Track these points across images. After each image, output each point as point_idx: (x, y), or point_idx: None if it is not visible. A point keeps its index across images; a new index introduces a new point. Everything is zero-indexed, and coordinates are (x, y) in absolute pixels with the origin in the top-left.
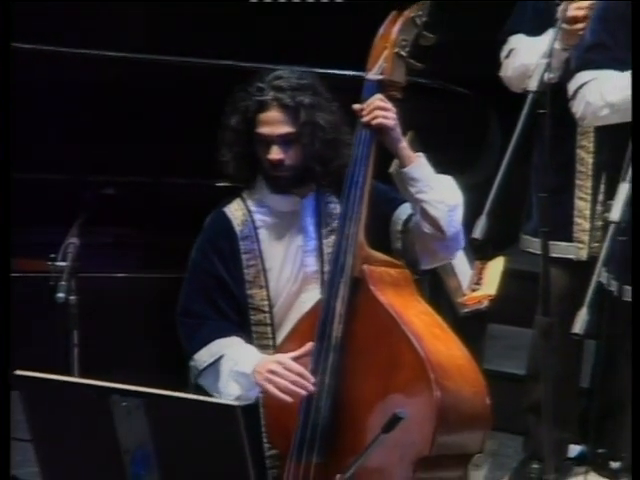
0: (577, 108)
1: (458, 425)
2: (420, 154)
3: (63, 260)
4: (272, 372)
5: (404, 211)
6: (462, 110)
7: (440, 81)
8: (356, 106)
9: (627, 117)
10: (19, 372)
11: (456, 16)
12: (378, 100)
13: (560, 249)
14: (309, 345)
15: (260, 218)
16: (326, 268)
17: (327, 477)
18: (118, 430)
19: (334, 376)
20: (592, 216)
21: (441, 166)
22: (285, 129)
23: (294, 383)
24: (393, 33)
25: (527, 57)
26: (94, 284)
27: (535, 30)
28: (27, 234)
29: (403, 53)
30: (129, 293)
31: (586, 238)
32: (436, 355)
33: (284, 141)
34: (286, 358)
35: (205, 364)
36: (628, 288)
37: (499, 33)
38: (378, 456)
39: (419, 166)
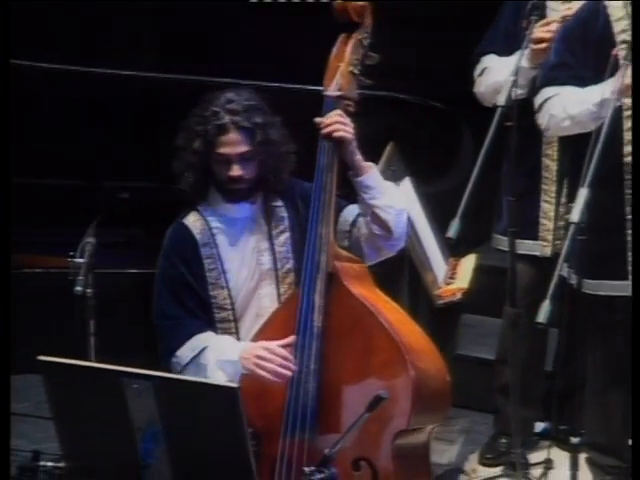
0: (542, 120)
1: (429, 401)
2: (372, 164)
3: (81, 257)
4: (260, 357)
5: (350, 213)
6: (438, 123)
7: (420, 97)
8: (317, 120)
9: (586, 128)
10: (42, 357)
11: (436, 40)
12: (337, 115)
13: (527, 247)
14: (291, 338)
15: (216, 225)
16: (279, 265)
17: (317, 451)
18: (130, 409)
19: (318, 362)
20: (556, 217)
21: (420, 173)
22: (243, 148)
23: (280, 366)
24: (346, 53)
25: (498, 75)
26: (108, 279)
27: (506, 51)
28: (48, 235)
29: (355, 71)
30: (139, 287)
31: (550, 237)
32: (407, 338)
33: (243, 159)
34: (272, 345)
35: (188, 359)
36: (587, 281)
37: (472, 54)
38: (362, 432)
39: (372, 175)
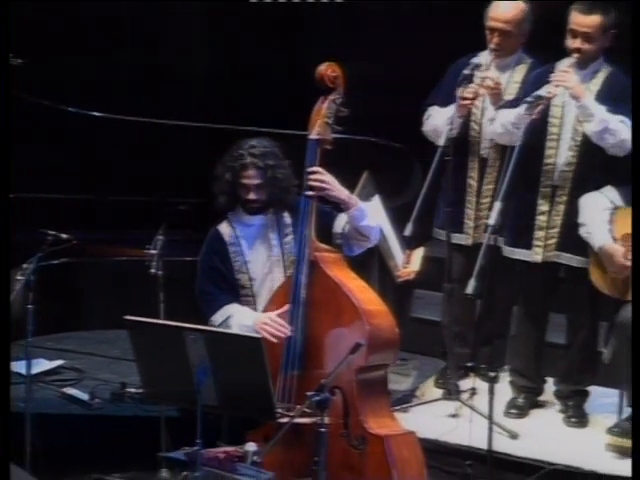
0: (495, 129)
1: (381, 347)
2: (356, 198)
3: (154, 249)
4: (265, 323)
5: (340, 222)
6: (397, 157)
7: (384, 139)
8: (307, 170)
9: (512, 142)
10: (128, 317)
11: (395, 96)
12: (319, 174)
13: (457, 238)
14: (286, 307)
15: (239, 230)
16: (285, 257)
17: (303, 383)
18: (188, 352)
19: (304, 322)
20: (475, 219)
21: (385, 192)
22: (258, 181)
23: (278, 330)
24: (323, 110)
25: (439, 121)
26: (172, 264)
27: (445, 104)
28: (133, 234)
29: (329, 122)
30: (193, 269)
31: (471, 232)
32: (365, 304)
33: (257, 188)
34: (273, 315)
35: (218, 322)
36: (510, 248)
37: (422, 105)
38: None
39: (357, 208)
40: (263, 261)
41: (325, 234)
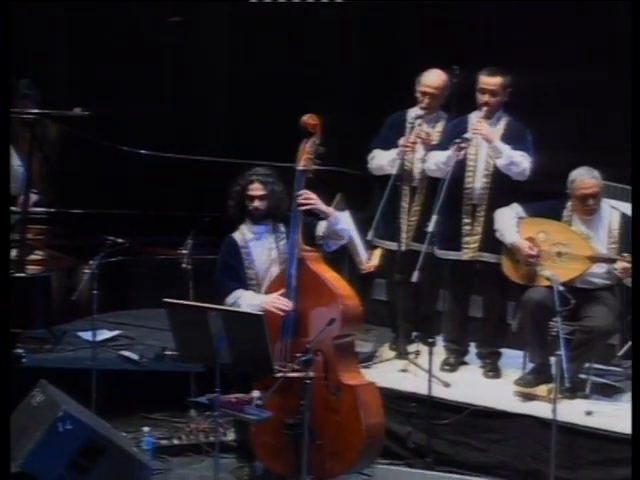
0: (429, 167)
1: (350, 320)
2: (332, 210)
3: (185, 249)
4: (274, 301)
5: (321, 227)
6: (360, 183)
7: (351, 169)
8: (297, 193)
9: (442, 175)
10: (166, 299)
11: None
12: (306, 194)
13: (394, 246)
14: (282, 290)
15: (249, 236)
16: (280, 256)
17: (294, 348)
18: (210, 325)
19: (295, 302)
20: (407, 231)
21: (352, 208)
22: (261, 193)
23: (284, 305)
24: (306, 148)
25: (381, 161)
26: (200, 260)
27: (387, 147)
28: (169, 238)
29: (311, 157)
30: (213, 265)
31: (404, 240)
32: (339, 289)
33: (260, 199)
34: (275, 296)
35: (230, 303)
36: (441, 251)
37: (369, 147)
38: (318, 336)
39: (334, 217)
40: (265, 259)
41: (309, 238)
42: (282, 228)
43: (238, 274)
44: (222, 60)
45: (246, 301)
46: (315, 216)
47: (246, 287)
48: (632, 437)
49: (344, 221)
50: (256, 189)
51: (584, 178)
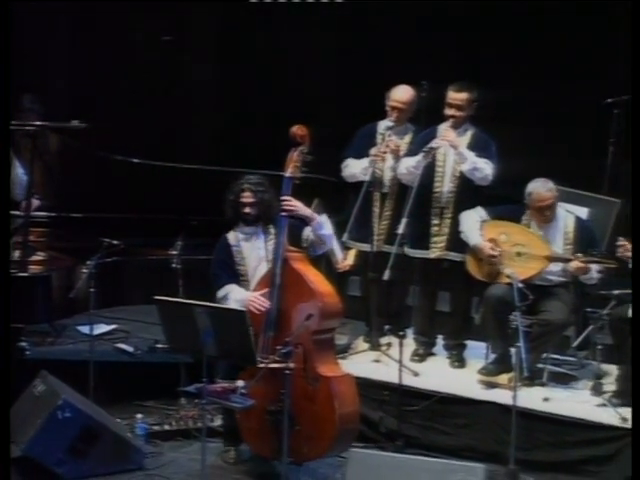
0: (401, 171)
1: (329, 315)
2: (315, 214)
3: (175, 250)
4: (251, 301)
5: (307, 232)
6: (335, 188)
7: (329, 177)
8: (282, 198)
9: (413, 180)
10: (157, 297)
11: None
12: (289, 201)
13: (365, 247)
14: (266, 289)
15: (241, 236)
16: (269, 255)
17: (276, 341)
18: (197, 320)
19: (278, 299)
20: (378, 234)
21: (329, 212)
22: (251, 200)
23: (261, 305)
24: (294, 157)
25: (354, 170)
26: (189, 260)
27: (359, 156)
28: (160, 240)
29: (298, 165)
30: (205, 265)
31: (375, 242)
32: (319, 287)
33: (250, 205)
34: (257, 294)
35: (221, 296)
36: (412, 250)
37: (342, 156)
38: (298, 330)
39: (317, 221)
40: (254, 258)
41: (295, 240)
42: (272, 230)
43: (231, 269)
44: (209, 70)
45: (235, 296)
46: (301, 220)
47: (238, 282)
48: (632, 437)
49: (327, 226)
50: (247, 197)
51: (540, 192)
